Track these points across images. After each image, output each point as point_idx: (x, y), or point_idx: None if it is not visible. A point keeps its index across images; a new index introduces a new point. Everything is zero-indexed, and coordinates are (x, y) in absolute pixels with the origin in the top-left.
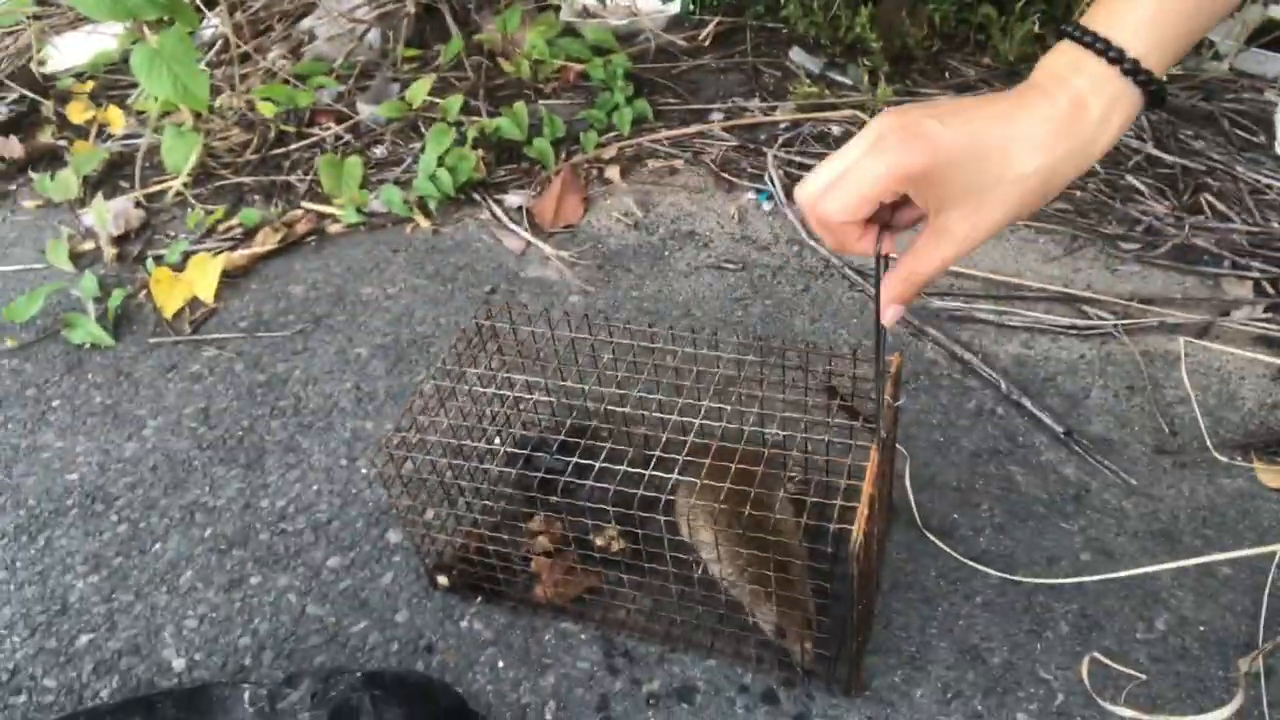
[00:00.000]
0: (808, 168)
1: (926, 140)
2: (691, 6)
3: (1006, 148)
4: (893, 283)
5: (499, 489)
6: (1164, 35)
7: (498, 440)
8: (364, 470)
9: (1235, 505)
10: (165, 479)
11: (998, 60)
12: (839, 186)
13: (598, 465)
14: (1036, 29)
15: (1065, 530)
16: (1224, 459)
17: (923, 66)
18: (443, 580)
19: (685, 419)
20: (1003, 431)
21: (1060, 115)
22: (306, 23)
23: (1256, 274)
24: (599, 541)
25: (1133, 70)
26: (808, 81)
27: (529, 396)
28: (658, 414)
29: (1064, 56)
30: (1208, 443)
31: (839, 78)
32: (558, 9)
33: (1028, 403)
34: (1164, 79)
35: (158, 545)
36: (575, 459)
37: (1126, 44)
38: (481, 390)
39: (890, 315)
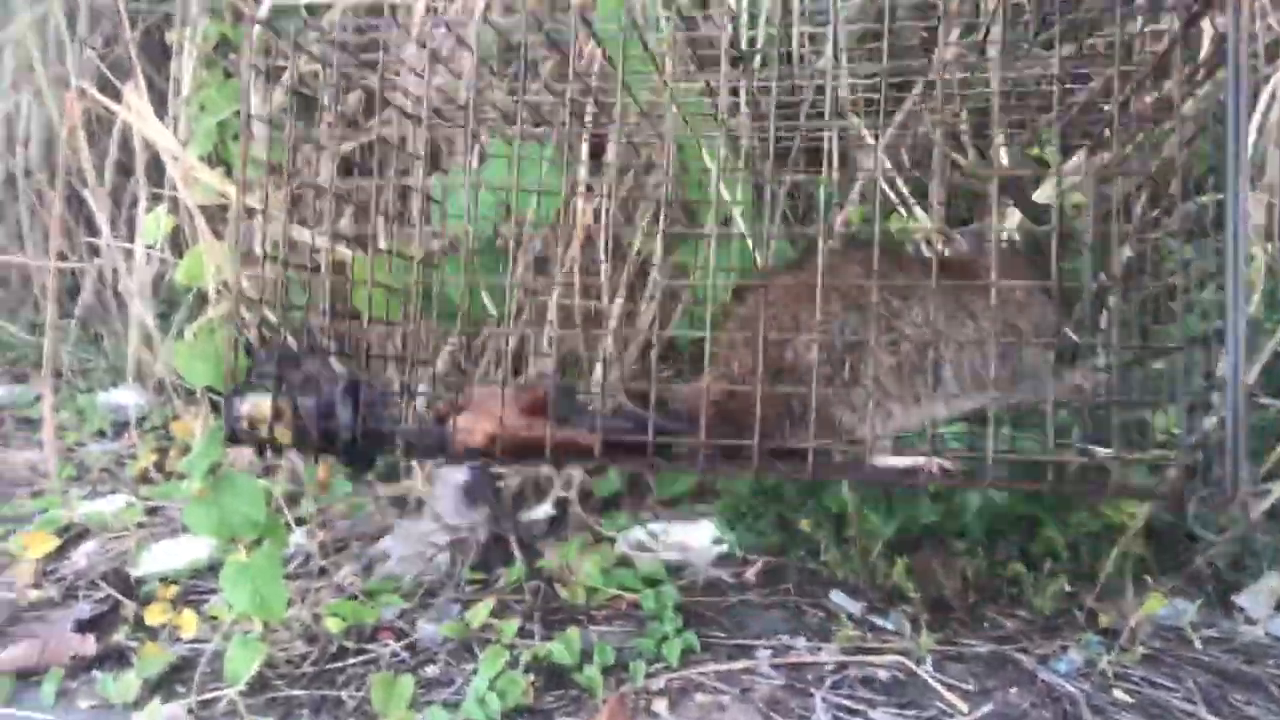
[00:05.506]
0: (857, 713)
1: None
2: (738, 550)
3: None
4: None
5: None
6: None
7: None
8: None
9: None
10: None
11: (1033, 613)
12: None
13: None
14: (1067, 588)
15: None
16: None
17: (961, 616)
18: None
19: None
20: None
21: None
22: (382, 543)
23: None
24: None
25: None
26: (850, 625)
27: None
28: None
29: None
30: None
31: (880, 621)
32: (614, 541)
33: None
34: None
35: None
36: None
37: None
38: None
39: None
